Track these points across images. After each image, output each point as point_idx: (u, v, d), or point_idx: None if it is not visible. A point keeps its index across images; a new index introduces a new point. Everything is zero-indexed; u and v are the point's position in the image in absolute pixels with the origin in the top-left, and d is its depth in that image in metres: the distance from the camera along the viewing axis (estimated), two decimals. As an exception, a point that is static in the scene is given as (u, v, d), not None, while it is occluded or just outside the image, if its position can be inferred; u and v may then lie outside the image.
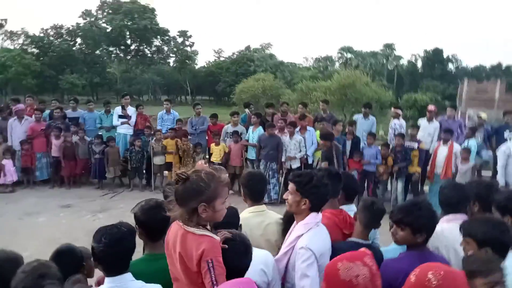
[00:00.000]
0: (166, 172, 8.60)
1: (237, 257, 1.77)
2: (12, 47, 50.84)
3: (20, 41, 54.05)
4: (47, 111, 9.21)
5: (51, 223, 6.47)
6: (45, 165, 8.60)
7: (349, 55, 62.46)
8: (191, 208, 1.74)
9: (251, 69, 49.83)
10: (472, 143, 7.25)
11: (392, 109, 8.87)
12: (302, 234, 2.16)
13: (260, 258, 2.13)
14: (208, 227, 1.86)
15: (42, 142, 8.47)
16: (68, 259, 2.22)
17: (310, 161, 7.73)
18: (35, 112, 8.61)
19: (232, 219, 2.22)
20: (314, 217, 2.22)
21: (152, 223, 2.13)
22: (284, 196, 2.31)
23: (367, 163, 7.27)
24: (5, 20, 54.84)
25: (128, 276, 1.86)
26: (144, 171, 8.54)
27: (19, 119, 8.46)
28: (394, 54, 63.24)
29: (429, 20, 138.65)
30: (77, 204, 7.44)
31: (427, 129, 7.88)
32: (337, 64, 63.26)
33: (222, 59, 63.91)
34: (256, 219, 2.61)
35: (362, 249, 1.69)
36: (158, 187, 8.24)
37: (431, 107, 8.33)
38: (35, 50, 51.43)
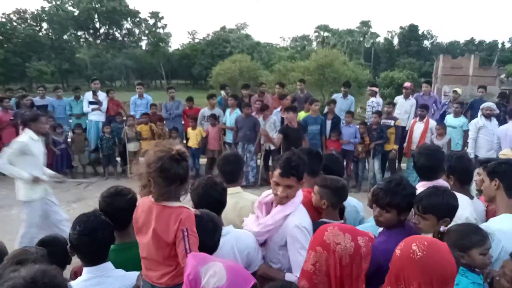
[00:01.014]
0: (141, 159, 8.38)
1: (204, 234, 1.80)
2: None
3: (-19, 27, 51.20)
4: (14, 100, 8.76)
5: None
6: (14, 156, 8.22)
7: (326, 34, 62.36)
8: (185, 181, 1.81)
9: (227, 51, 49.17)
10: (463, 120, 7.28)
11: (368, 87, 8.90)
12: (289, 214, 2.15)
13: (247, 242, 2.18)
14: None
15: (11, 133, 8.05)
16: (52, 249, 2.18)
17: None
18: (3, 101, 8.16)
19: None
20: (298, 196, 2.21)
21: (114, 211, 2.09)
22: (281, 196, 2.21)
23: (346, 143, 7.27)
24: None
25: (108, 265, 1.90)
26: (118, 159, 8.30)
27: (-17, 109, 8.01)
28: (371, 31, 63.61)
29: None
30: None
31: (404, 106, 7.94)
32: (314, 44, 63.18)
33: (196, 41, 62.76)
34: (231, 200, 2.52)
35: (369, 232, 1.74)
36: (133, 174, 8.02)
37: (407, 84, 8.39)
38: (-2, 37, 48.93)
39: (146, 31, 62.15)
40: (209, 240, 1.83)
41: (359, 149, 7.34)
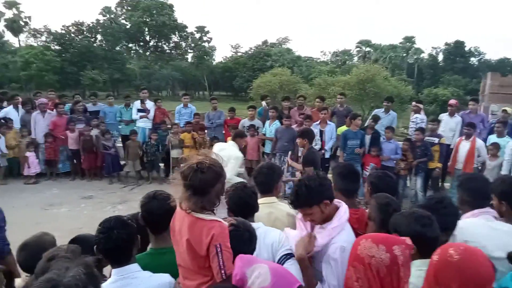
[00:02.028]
0: (182, 166, 8.68)
1: (241, 244, 1.80)
2: (35, 45, 52.13)
3: (43, 38, 55.40)
4: (68, 105, 9.44)
5: (73, 214, 6.66)
6: (67, 157, 8.84)
7: (367, 49, 61.41)
8: (214, 192, 1.79)
9: (268, 64, 49.66)
10: (507, 140, 6.97)
11: (413, 103, 8.70)
12: (334, 236, 2.07)
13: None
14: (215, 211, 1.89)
15: (64, 136, 8.68)
16: (81, 247, 2.26)
17: (327, 155, 7.67)
18: (58, 106, 8.82)
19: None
20: (344, 213, 2.13)
21: (149, 214, 2.12)
22: (306, 220, 2.20)
23: (386, 159, 7.14)
24: (29, 18, 56.29)
25: (135, 266, 1.90)
26: (161, 164, 8.66)
27: (42, 113, 8.70)
28: (414, 47, 61.81)
29: (450, 11, 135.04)
30: (98, 196, 7.63)
31: (449, 124, 7.70)
32: (355, 58, 62.32)
33: (239, 54, 63.95)
34: (265, 210, 2.60)
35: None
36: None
37: (452, 101, 8.13)
38: (57, 47, 52.56)
39: (192, 45, 64.31)
40: (245, 249, 1.82)
41: (401, 165, 7.18)
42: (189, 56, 66.79)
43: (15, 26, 55.13)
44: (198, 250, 1.77)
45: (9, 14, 55.15)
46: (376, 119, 7.57)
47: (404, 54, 61.72)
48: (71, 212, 6.79)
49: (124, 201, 7.35)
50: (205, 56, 62.48)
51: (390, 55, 57.89)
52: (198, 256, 1.79)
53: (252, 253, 1.87)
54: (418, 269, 1.76)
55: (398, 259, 1.57)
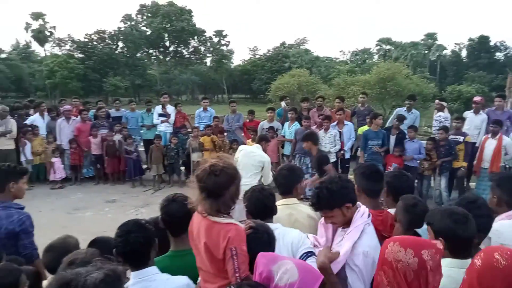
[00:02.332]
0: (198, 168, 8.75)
1: (260, 247, 1.79)
2: (60, 53, 53.86)
3: (67, 47, 57.13)
4: (92, 111, 9.68)
5: (98, 218, 6.82)
6: (90, 162, 9.06)
7: (388, 47, 60.39)
8: (228, 195, 1.80)
9: (286, 66, 49.59)
10: None
11: (436, 101, 8.50)
12: (356, 241, 2.03)
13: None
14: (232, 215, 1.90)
15: (88, 141, 8.92)
16: (100, 249, 2.30)
17: (347, 156, 7.57)
18: (82, 113, 9.06)
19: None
20: (361, 217, 2.08)
21: (168, 216, 2.16)
22: (327, 223, 2.20)
23: (409, 159, 6.99)
24: (54, 27, 58.22)
25: (153, 269, 1.92)
26: (182, 168, 8.76)
27: (67, 120, 8.96)
28: (436, 44, 60.37)
29: (473, 5, 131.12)
30: (121, 200, 7.79)
31: (474, 122, 7.47)
32: (375, 57, 61.38)
33: (257, 56, 64.08)
34: (285, 211, 2.60)
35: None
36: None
37: (477, 98, 7.89)
38: (81, 55, 54.14)
39: (211, 49, 64.88)
40: (264, 251, 1.80)
41: (425, 165, 7.01)
42: (208, 60, 67.45)
43: (41, 36, 57.16)
44: (215, 254, 1.78)
45: (35, 25, 57.22)
46: (401, 118, 7.42)
47: (426, 51, 60.35)
48: (95, 215, 6.96)
49: (146, 204, 7.47)
50: (223, 60, 62.90)
51: (411, 53, 56.70)
52: (216, 260, 1.80)
53: None
54: (447, 268, 1.70)
55: (427, 263, 1.53)
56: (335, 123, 7.69)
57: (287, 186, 2.75)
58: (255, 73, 56.20)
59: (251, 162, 4.92)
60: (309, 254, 2.12)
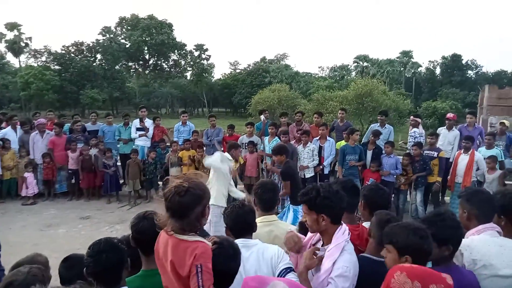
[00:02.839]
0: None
1: (225, 261, 1.79)
2: (36, 65, 52.66)
3: (44, 58, 55.99)
4: (67, 125, 9.44)
5: (71, 235, 6.58)
6: (64, 177, 8.79)
7: (365, 64, 62.04)
8: (193, 216, 1.79)
9: (266, 81, 50.21)
10: (496, 151, 7.03)
11: (411, 117, 8.73)
12: (336, 259, 2.04)
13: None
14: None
15: (62, 156, 8.66)
16: (70, 266, 2.25)
17: (326, 172, 7.65)
18: (54, 127, 8.80)
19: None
20: (342, 234, 2.11)
21: (139, 234, 2.12)
22: (302, 220, 2.26)
23: (386, 174, 7.11)
24: (30, 38, 57.01)
25: None
26: (160, 183, 8.60)
27: (41, 133, 8.68)
28: (412, 61, 62.49)
29: (446, 25, 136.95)
30: (96, 216, 7.55)
31: (447, 138, 7.71)
32: (353, 73, 62.87)
33: (238, 71, 64.62)
34: (265, 228, 2.61)
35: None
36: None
37: (450, 115, 8.16)
38: (58, 67, 53.11)
39: (191, 62, 64.95)
40: (231, 265, 1.84)
41: (401, 180, 7.14)
42: (188, 74, 67.41)
43: (15, 47, 55.80)
44: (181, 271, 1.76)
45: (10, 35, 55.91)
46: (377, 134, 7.57)
47: (402, 68, 62.30)
48: (69, 232, 6.71)
49: (122, 221, 7.27)
50: (204, 74, 63.02)
51: (387, 70, 58.44)
52: (182, 278, 1.78)
53: (236, 271, 1.87)
54: None
55: None
56: (317, 138, 7.77)
57: (271, 202, 2.79)
58: (235, 87, 56.54)
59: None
60: (288, 270, 2.12)
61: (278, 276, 2.11)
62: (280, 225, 2.72)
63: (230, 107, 61.75)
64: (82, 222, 7.25)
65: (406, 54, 62.67)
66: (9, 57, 62.21)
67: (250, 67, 62.29)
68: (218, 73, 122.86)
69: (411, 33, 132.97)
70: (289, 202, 5.20)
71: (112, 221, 7.24)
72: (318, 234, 2.25)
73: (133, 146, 8.97)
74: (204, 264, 1.72)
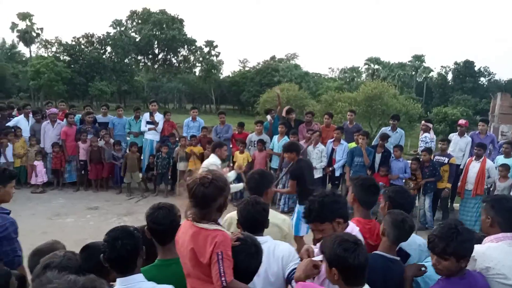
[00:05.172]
0: (189, 179, 8.67)
1: (247, 258, 1.85)
2: (46, 55, 53.04)
3: (54, 49, 56.34)
4: (78, 116, 9.51)
5: (79, 225, 6.65)
6: (74, 167, 8.87)
7: (376, 66, 61.72)
8: (215, 206, 1.88)
9: (275, 80, 50.06)
10: (508, 161, 6.92)
11: (423, 122, 8.67)
12: None
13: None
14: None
15: (73, 146, 8.74)
16: (89, 254, 2.23)
17: (337, 174, 7.64)
18: (68, 116, 8.90)
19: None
20: (351, 231, 2.14)
21: (154, 224, 2.17)
22: (317, 238, 2.22)
23: (395, 178, 7.07)
24: (41, 29, 57.47)
25: (138, 277, 1.92)
26: (169, 177, 8.65)
27: (52, 123, 8.77)
28: (424, 66, 62.05)
29: (460, 31, 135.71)
30: (104, 207, 7.61)
31: (459, 144, 7.63)
32: (363, 76, 62.62)
33: (246, 69, 64.55)
34: None
35: None
36: (182, 193, 8.35)
37: (461, 121, 8.09)
38: (67, 58, 53.44)
39: (201, 58, 65.01)
40: (252, 263, 1.88)
41: (410, 185, 7.10)
42: (197, 70, 67.53)
43: (27, 37, 56.26)
44: (201, 259, 1.83)
45: (22, 25, 56.36)
46: (384, 137, 7.53)
47: (413, 73, 61.89)
48: (77, 222, 6.78)
49: (130, 213, 7.32)
50: (212, 70, 63.04)
51: (399, 73, 58.06)
52: (202, 265, 1.85)
53: (257, 268, 1.92)
54: None
55: None
56: (331, 140, 7.78)
57: (257, 190, 2.86)
58: (244, 85, 56.47)
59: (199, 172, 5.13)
60: None
61: (287, 276, 2.13)
62: (272, 213, 2.70)
63: (237, 104, 61.71)
64: (90, 212, 7.31)
65: (418, 58, 62.26)
66: (20, 47, 62.76)
67: (260, 65, 62.20)
68: (227, 70, 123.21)
69: (424, 38, 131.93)
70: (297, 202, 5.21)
71: (120, 213, 7.29)
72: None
73: (143, 140, 9.02)
74: (225, 252, 1.79)
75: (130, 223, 6.50)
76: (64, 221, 6.83)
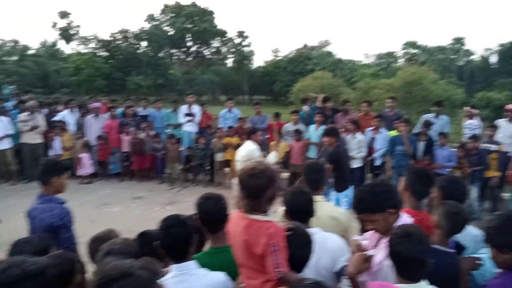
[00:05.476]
0: (227, 169, 8.81)
1: (299, 248, 1.87)
2: (85, 51, 55.17)
3: (92, 45, 58.45)
4: (120, 109, 9.87)
5: (125, 213, 6.95)
6: (118, 159, 9.25)
7: (414, 51, 59.22)
8: (266, 197, 1.87)
9: (308, 68, 49.28)
10: None
11: (467, 108, 8.28)
12: None
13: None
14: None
15: (116, 138, 9.10)
16: (145, 241, 2.35)
17: (378, 163, 7.47)
18: (111, 110, 9.26)
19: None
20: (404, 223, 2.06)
21: (204, 213, 2.23)
22: (366, 229, 2.20)
23: (439, 167, 6.82)
24: (79, 26, 59.80)
25: (192, 263, 2.00)
26: (207, 168, 8.83)
27: (96, 116, 9.16)
28: (464, 49, 58.83)
29: (504, 9, 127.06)
30: (148, 196, 7.91)
31: (508, 130, 7.23)
32: (401, 61, 60.33)
33: (278, 58, 63.96)
34: None
35: None
36: (220, 183, 8.52)
37: (509, 106, 7.64)
38: (105, 53, 55.29)
39: (232, 49, 65.14)
40: (303, 253, 1.90)
41: (456, 174, 6.83)
42: (229, 61, 67.75)
43: (67, 35, 58.76)
44: (255, 250, 1.85)
45: (62, 23, 58.87)
46: (427, 124, 7.26)
47: (454, 56, 58.85)
48: (123, 211, 7.08)
49: (172, 202, 7.55)
50: (244, 61, 63.03)
51: (438, 57, 55.40)
52: (255, 256, 1.86)
53: (308, 258, 1.92)
54: None
55: None
56: (371, 128, 7.60)
57: (317, 182, 2.83)
58: (276, 75, 56.05)
59: (238, 160, 5.35)
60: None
61: (338, 271, 2.15)
62: (324, 206, 2.73)
63: (270, 94, 61.41)
64: (135, 201, 7.62)
65: (459, 41, 59.05)
66: (61, 44, 65.60)
67: (292, 54, 61.43)
68: (259, 60, 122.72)
69: (464, 19, 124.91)
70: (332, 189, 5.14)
71: (163, 202, 7.54)
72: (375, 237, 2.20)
73: (180, 131, 9.24)
74: (279, 243, 1.80)
75: (173, 212, 6.70)
76: (111, 210, 7.16)
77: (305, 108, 9.02)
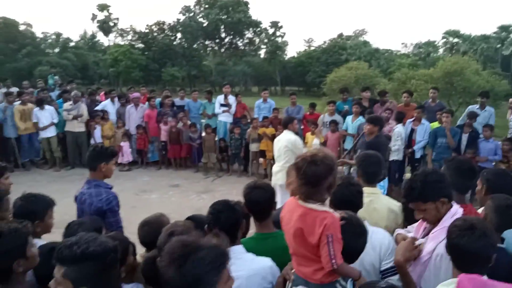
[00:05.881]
0: (261, 159, 8.86)
1: (353, 238, 1.84)
2: (122, 43, 56.80)
3: (129, 37, 60.08)
4: (158, 99, 10.13)
5: (163, 200, 7.18)
6: (156, 148, 9.53)
7: (455, 40, 56.44)
8: (325, 185, 1.82)
9: (342, 58, 48.23)
10: None
11: (511, 100, 7.85)
12: (441, 241, 1.95)
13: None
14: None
15: (155, 128, 9.36)
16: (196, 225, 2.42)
17: (418, 155, 7.24)
18: (150, 100, 9.52)
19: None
20: (451, 218, 1.99)
21: (250, 202, 2.28)
22: (417, 218, 2.14)
23: (484, 160, 6.52)
24: (117, 19, 61.50)
25: (240, 248, 2.06)
26: (242, 158, 8.91)
27: (135, 106, 9.45)
28: (511, 37, 55.33)
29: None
30: (184, 185, 8.12)
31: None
32: (441, 50, 57.72)
33: (312, 48, 63.05)
34: (365, 198, 2.53)
35: None
36: (254, 173, 8.58)
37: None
38: (141, 45, 56.66)
39: (266, 40, 64.84)
40: (357, 243, 1.87)
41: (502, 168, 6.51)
42: (262, 52, 67.52)
43: (105, 27, 60.68)
44: (309, 239, 1.83)
45: (101, 16, 60.81)
46: (472, 116, 6.94)
47: (499, 45, 55.55)
48: (161, 198, 7.32)
49: (207, 190, 7.71)
50: (277, 51, 62.60)
51: (481, 47, 52.46)
52: (309, 245, 1.84)
53: (363, 248, 1.90)
54: None
55: None
56: (411, 119, 7.38)
57: (375, 175, 2.75)
58: (309, 65, 55.29)
59: (278, 149, 5.33)
60: (394, 270, 2.10)
61: (383, 272, 2.12)
62: (381, 198, 2.67)
63: (303, 85, 60.77)
64: (172, 189, 7.84)
65: (505, 29, 55.63)
66: (100, 36, 67.76)
67: (326, 44, 60.29)
68: (292, 51, 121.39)
69: (510, 5, 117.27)
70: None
71: (198, 190, 7.72)
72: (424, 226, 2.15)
73: (216, 122, 9.35)
74: (335, 234, 1.77)
75: (208, 200, 6.85)
76: (150, 197, 7.40)
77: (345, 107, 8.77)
